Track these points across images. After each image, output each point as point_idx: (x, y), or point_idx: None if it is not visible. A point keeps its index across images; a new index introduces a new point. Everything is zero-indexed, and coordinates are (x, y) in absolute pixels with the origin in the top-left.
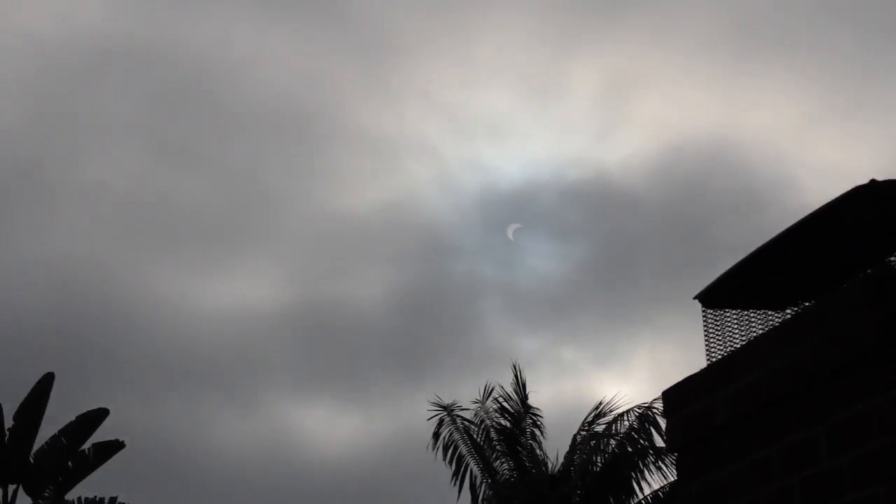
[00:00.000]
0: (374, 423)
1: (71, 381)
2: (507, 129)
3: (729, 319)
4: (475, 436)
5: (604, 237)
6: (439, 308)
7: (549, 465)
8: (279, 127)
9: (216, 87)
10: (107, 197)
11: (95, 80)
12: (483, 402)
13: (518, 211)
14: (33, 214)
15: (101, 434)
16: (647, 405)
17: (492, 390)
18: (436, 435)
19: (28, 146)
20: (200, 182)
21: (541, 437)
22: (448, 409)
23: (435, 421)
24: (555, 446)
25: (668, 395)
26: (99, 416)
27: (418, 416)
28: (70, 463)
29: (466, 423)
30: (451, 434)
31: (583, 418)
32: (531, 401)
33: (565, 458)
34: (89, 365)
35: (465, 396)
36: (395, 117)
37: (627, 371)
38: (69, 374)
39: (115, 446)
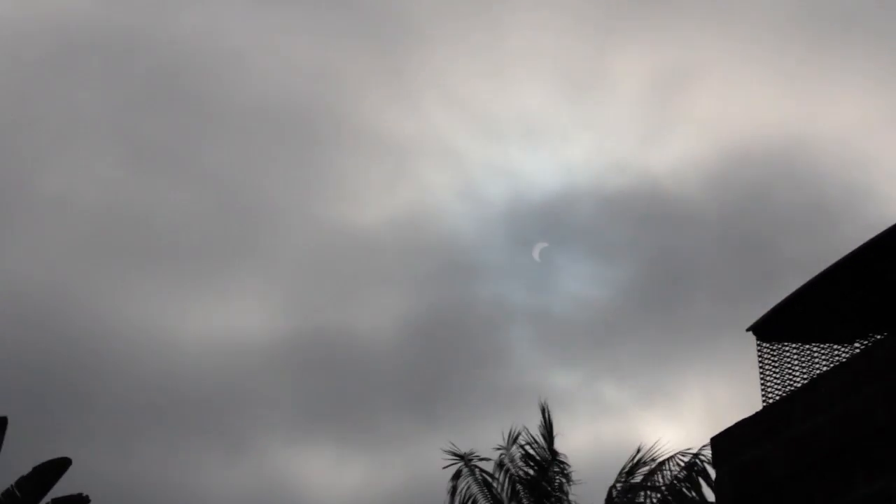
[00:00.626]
0: (383, 471)
1: (28, 426)
2: (541, 130)
3: (788, 354)
4: (498, 487)
5: (650, 256)
6: (460, 338)
7: None
8: (276, 129)
9: (203, 83)
10: (73, 211)
11: (60, 74)
12: (508, 447)
13: (552, 225)
14: None
15: (64, 486)
16: (691, 451)
17: (517, 435)
18: (452, 489)
19: None
20: (183, 192)
21: (568, 488)
22: (465, 459)
23: (450, 471)
24: (590, 499)
25: (717, 442)
26: (60, 466)
27: (434, 463)
28: None
29: (486, 474)
30: (468, 487)
31: (623, 466)
32: (558, 445)
33: None
34: (51, 407)
35: (489, 441)
36: (411, 117)
37: (676, 411)
38: (26, 418)
39: (77, 501)
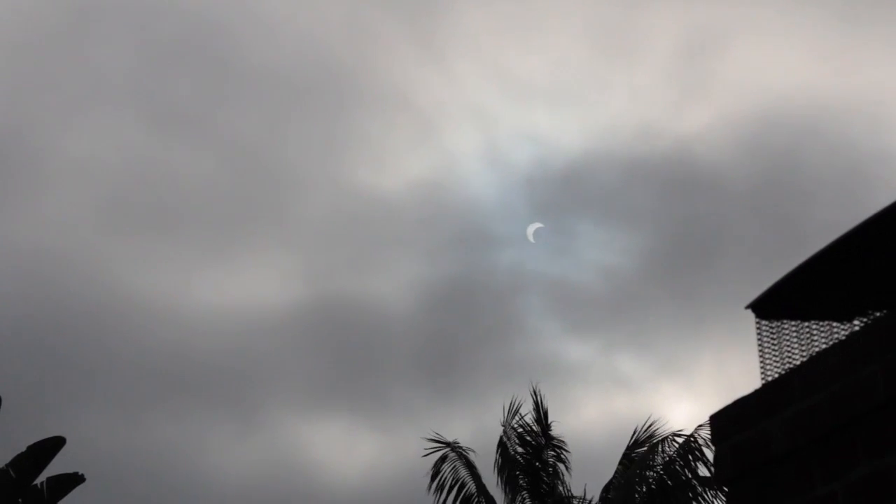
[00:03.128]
0: (398, 444)
1: (33, 399)
2: (569, 93)
3: (787, 332)
4: (494, 468)
5: (676, 223)
6: (476, 308)
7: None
8: (300, 91)
9: (227, 45)
10: (92, 174)
11: (82, 36)
12: (507, 422)
13: (576, 191)
14: (6, 195)
15: (66, 461)
16: (684, 433)
17: (518, 408)
18: (435, 475)
19: (3, 117)
20: (203, 156)
21: (565, 472)
22: (452, 446)
23: (433, 459)
24: (601, 476)
25: (716, 420)
26: (54, 445)
27: (451, 435)
28: (20, 500)
29: (470, 461)
30: (455, 472)
31: (653, 439)
32: (557, 428)
33: (601, 495)
34: (55, 378)
35: (501, 414)
36: (439, 79)
37: (692, 385)
38: (30, 390)
39: (72, 480)
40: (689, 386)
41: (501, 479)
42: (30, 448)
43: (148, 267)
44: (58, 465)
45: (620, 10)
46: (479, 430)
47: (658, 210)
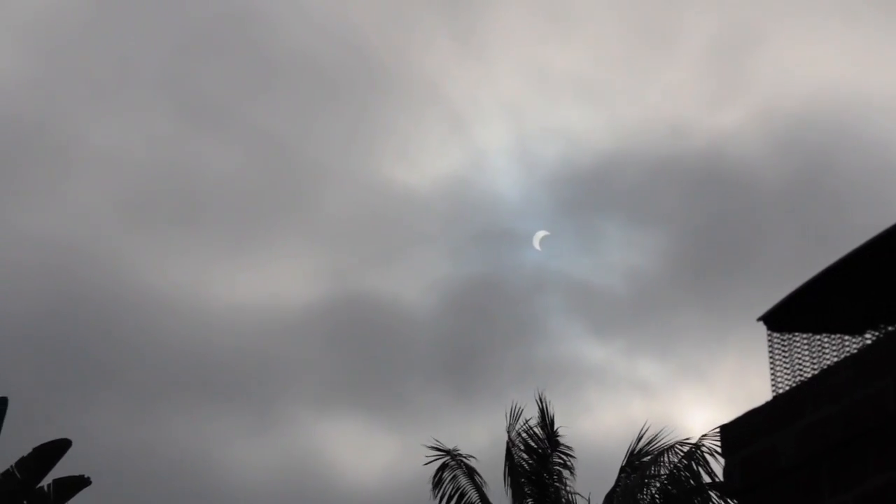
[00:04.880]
0: (416, 447)
1: (37, 398)
2: (600, 89)
3: (798, 345)
4: (502, 475)
5: (704, 225)
6: (500, 308)
7: None
8: (331, 83)
9: (258, 34)
10: (117, 165)
11: (112, 24)
12: (512, 426)
13: (604, 189)
14: (28, 185)
15: (74, 461)
16: (690, 441)
17: (520, 414)
18: (438, 483)
19: (29, 105)
20: (231, 148)
21: (570, 479)
22: (452, 454)
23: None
24: (612, 481)
25: (726, 431)
26: (60, 447)
27: (470, 438)
28: (26, 502)
29: (471, 468)
30: (455, 480)
31: (656, 448)
32: (565, 433)
33: (604, 502)
34: (69, 374)
35: (523, 415)
36: (471, 72)
37: (710, 391)
38: (35, 389)
39: (78, 483)
40: (709, 392)
41: (508, 486)
42: (35, 450)
43: (168, 261)
44: (68, 464)
45: (655, 6)
46: (498, 433)
47: (687, 211)
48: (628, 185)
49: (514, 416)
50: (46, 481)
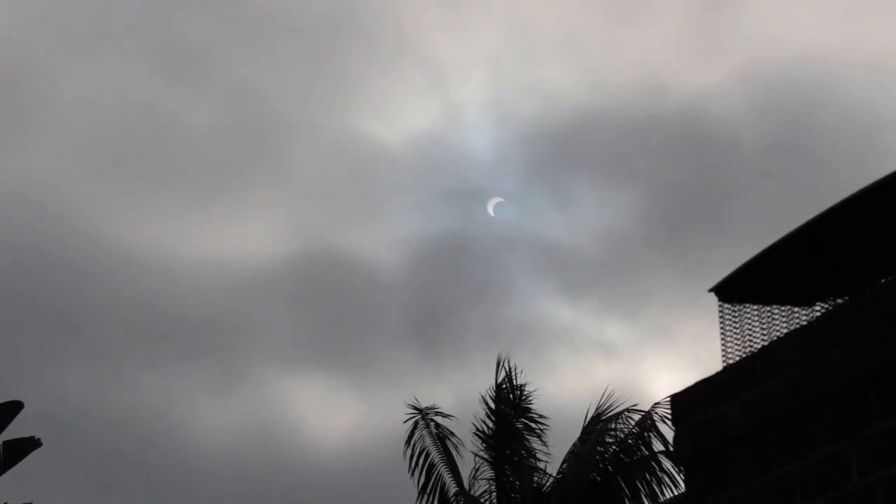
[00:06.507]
0: (383, 407)
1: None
2: (578, 46)
3: (748, 316)
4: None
5: (683, 184)
6: (468, 266)
7: (537, 478)
8: (309, 37)
9: None
10: (88, 117)
11: None
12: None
13: (579, 148)
14: (3, 135)
15: (31, 422)
16: (639, 409)
17: (500, 376)
18: (409, 441)
19: (3, 53)
20: (203, 101)
21: (532, 445)
22: (423, 413)
23: (409, 426)
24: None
25: (677, 400)
26: (12, 409)
27: (437, 399)
28: None
29: (442, 429)
30: (422, 440)
31: (613, 415)
32: (536, 396)
33: (559, 467)
34: (29, 327)
35: (486, 380)
36: (448, 27)
37: (677, 356)
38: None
39: (29, 444)
40: (678, 357)
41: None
42: None
43: (136, 216)
44: (29, 423)
45: None
46: (465, 392)
47: (663, 170)
48: (605, 144)
49: (496, 378)
50: None
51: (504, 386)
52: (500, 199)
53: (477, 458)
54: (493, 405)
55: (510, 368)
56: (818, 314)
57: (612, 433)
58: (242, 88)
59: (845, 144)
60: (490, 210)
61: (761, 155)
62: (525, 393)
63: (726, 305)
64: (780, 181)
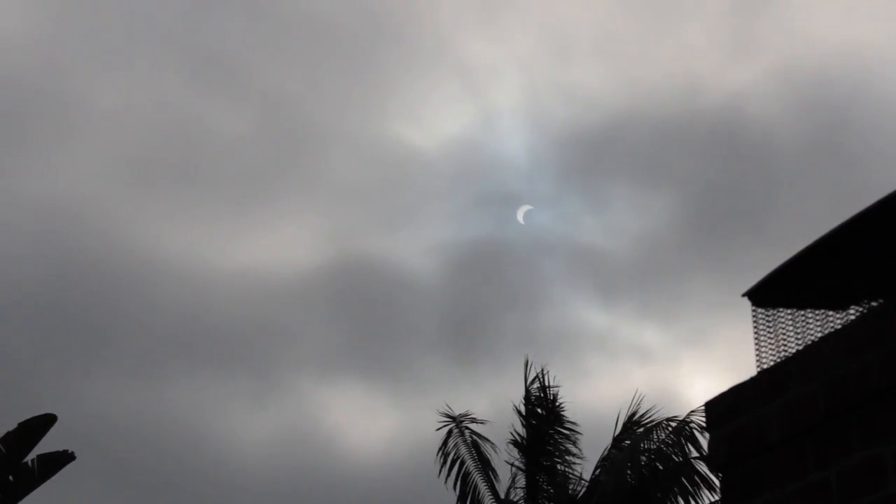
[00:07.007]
0: (419, 415)
1: (35, 365)
2: (613, 47)
3: (783, 320)
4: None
5: (720, 186)
6: (504, 272)
7: (572, 487)
8: (343, 44)
9: None
10: (122, 127)
11: None
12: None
13: (614, 151)
14: (29, 147)
15: (69, 432)
16: (678, 417)
17: (532, 382)
18: (443, 445)
19: (33, 65)
20: (237, 109)
21: (571, 451)
22: (457, 420)
23: (443, 435)
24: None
25: (711, 407)
26: (46, 422)
27: (472, 405)
28: (11, 477)
29: (476, 436)
30: (457, 448)
31: (649, 421)
32: (570, 402)
33: (592, 475)
34: (64, 339)
35: (522, 387)
36: (483, 31)
37: (717, 361)
38: (34, 356)
39: (62, 458)
40: (714, 361)
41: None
42: (20, 425)
43: (171, 226)
44: (60, 435)
45: None
46: (501, 399)
47: (699, 172)
48: (640, 146)
49: (527, 384)
50: (31, 456)
51: (535, 393)
52: (530, 207)
53: (513, 468)
54: (523, 410)
55: (542, 374)
56: (853, 318)
57: (649, 441)
58: (277, 96)
59: (884, 143)
60: (520, 218)
61: (798, 155)
62: (556, 399)
63: (760, 310)
64: (818, 181)
